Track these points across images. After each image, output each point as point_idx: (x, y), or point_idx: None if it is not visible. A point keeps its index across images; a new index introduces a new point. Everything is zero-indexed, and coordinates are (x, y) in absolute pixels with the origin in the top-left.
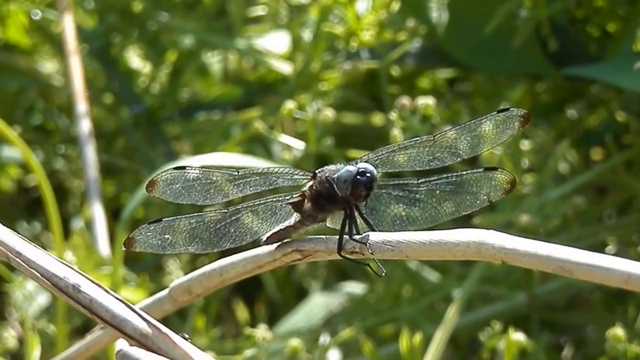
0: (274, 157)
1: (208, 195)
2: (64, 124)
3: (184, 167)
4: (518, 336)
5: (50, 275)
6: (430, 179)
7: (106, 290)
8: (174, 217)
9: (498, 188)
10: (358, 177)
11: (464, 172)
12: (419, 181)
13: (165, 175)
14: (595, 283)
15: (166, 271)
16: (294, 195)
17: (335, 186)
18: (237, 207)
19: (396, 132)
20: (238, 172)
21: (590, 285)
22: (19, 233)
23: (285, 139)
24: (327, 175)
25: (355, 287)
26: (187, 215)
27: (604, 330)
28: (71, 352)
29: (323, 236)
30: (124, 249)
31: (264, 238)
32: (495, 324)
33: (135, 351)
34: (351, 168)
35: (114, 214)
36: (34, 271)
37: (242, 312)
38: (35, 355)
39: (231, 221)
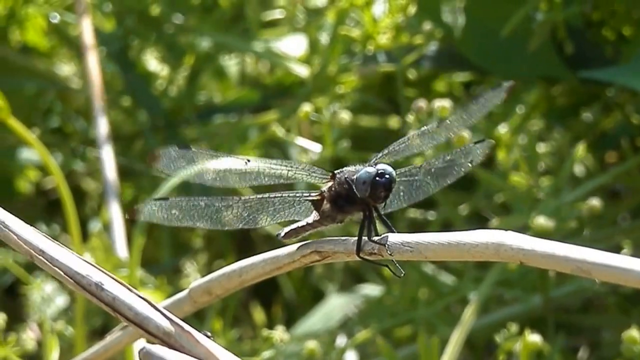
0: (291, 160)
1: (217, 179)
2: (82, 126)
3: (189, 147)
4: (534, 338)
5: (73, 274)
6: (430, 161)
7: (129, 289)
8: (184, 198)
9: (480, 153)
10: (377, 178)
11: (458, 149)
12: (421, 165)
13: (170, 151)
14: (610, 286)
15: (184, 273)
16: (312, 194)
17: (354, 187)
18: (252, 198)
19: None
20: (249, 160)
21: (606, 288)
22: (41, 232)
23: (301, 141)
24: (346, 176)
25: (371, 290)
26: (198, 198)
27: (619, 333)
28: (90, 354)
29: (342, 237)
30: (127, 217)
31: (282, 233)
32: (511, 326)
33: (158, 349)
34: (370, 169)
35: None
36: (57, 269)
37: (259, 314)
38: (53, 358)
39: (245, 207)
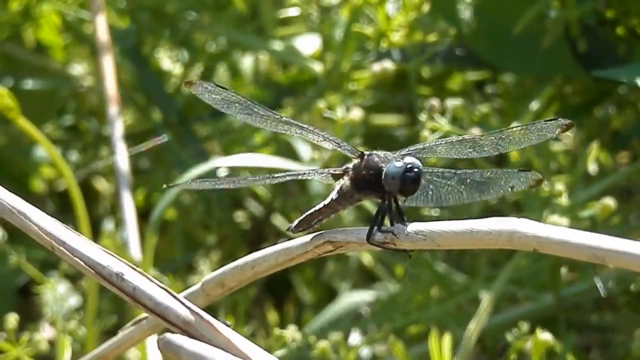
0: (302, 157)
1: (249, 119)
2: (95, 124)
3: (225, 88)
4: (545, 337)
5: (93, 264)
6: (468, 171)
7: (149, 279)
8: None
9: (524, 182)
10: (407, 173)
11: (500, 170)
12: (457, 172)
13: (208, 85)
14: (622, 285)
15: (197, 271)
16: (336, 170)
17: (382, 179)
18: (280, 175)
19: (425, 134)
20: (282, 116)
21: (617, 288)
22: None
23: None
24: (375, 161)
25: (383, 288)
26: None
27: (630, 332)
28: (103, 349)
29: (354, 228)
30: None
31: (292, 226)
32: (523, 325)
33: (178, 338)
34: (398, 164)
35: (143, 215)
36: (77, 260)
37: (271, 313)
38: (66, 357)
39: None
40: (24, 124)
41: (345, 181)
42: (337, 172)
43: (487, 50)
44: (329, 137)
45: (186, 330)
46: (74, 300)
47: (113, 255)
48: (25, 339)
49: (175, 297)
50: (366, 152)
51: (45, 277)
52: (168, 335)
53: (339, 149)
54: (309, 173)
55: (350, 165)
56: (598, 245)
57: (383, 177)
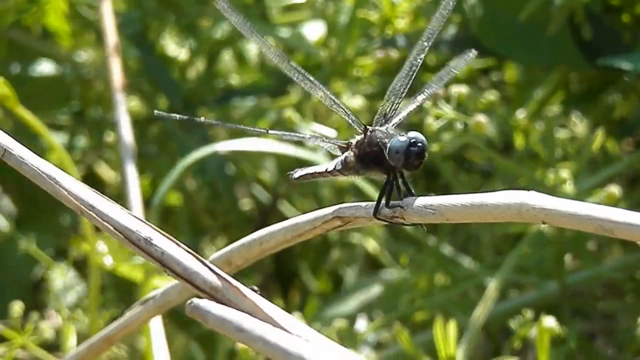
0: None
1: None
2: (100, 112)
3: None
4: (550, 324)
5: (122, 228)
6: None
7: (177, 244)
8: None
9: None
10: (411, 147)
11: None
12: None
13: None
14: (627, 272)
15: (203, 256)
16: (339, 142)
17: (386, 155)
18: (286, 134)
19: (430, 121)
20: (298, 68)
21: (621, 274)
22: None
23: (317, 126)
24: (379, 138)
25: (389, 275)
26: None
27: (635, 318)
28: (109, 330)
29: (363, 203)
30: None
31: (295, 175)
32: (527, 313)
33: (206, 303)
34: (402, 138)
35: (149, 203)
36: (106, 224)
37: (277, 300)
38: (70, 345)
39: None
40: (23, 112)
41: (349, 155)
42: (341, 145)
43: (492, 38)
44: (340, 103)
45: (214, 295)
46: (80, 288)
47: (142, 220)
48: (31, 327)
49: (203, 262)
50: (370, 127)
51: (55, 264)
52: (196, 300)
53: (345, 117)
54: (314, 139)
55: (354, 141)
56: (607, 217)
57: (387, 152)
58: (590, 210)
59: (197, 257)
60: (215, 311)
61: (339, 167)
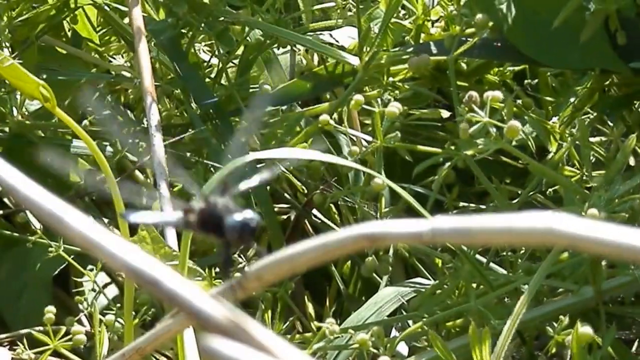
0: (341, 151)
1: None
2: (134, 117)
3: None
4: (586, 330)
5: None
6: None
7: (187, 282)
8: None
9: None
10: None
11: None
12: None
13: None
14: None
15: (234, 264)
16: None
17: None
18: None
19: (464, 125)
20: None
21: None
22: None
23: (352, 132)
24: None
25: (422, 282)
26: None
27: None
28: (140, 341)
29: (393, 221)
30: None
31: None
32: (564, 319)
33: (217, 342)
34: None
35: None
36: (115, 262)
37: (310, 306)
38: (103, 350)
39: None
40: (63, 115)
41: None
42: None
43: (526, 43)
44: None
45: (224, 332)
46: (111, 292)
47: (151, 257)
48: (62, 332)
49: (213, 299)
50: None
51: (84, 268)
52: (206, 339)
53: None
54: None
55: None
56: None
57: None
58: (624, 236)
59: (207, 295)
60: (226, 350)
61: None
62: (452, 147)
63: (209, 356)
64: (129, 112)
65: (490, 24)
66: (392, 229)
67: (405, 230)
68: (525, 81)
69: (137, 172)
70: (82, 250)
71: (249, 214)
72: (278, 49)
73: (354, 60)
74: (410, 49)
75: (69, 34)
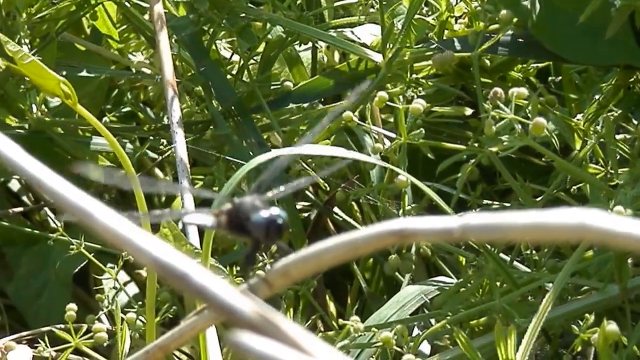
0: (365, 148)
1: None
2: (153, 114)
3: None
4: (612, 328)
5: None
6: None
7: (215, 276)
8: None
9: None
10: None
11: None
12: None
13: None
14: None
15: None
16: None
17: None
18: None
19: (490, 121)
20: None
21: None
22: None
23: (375, 129)
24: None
25: (445, 280)
26: None
27: None
28: (164, 339)
29: (422, 217)
30: None
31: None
32: (589, 317)
33: (246, 337)
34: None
35: (201, 205)
36: (142, 255)
37: (332, 304)
38: (125, 348)
39: None
40: (84, 112)
41: None
42: None
43: (550, 39)
44: None
45: (254, 328)
46: (132, 290)
47: (178, 251)
48: (84, 329)
49: (241, 294)
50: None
51: (104, 266)
52: (235, 334)
53: None
54: None
55: None
56: None
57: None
58: None
59: (235, 289)
60: (256, 345)
61: None
62: (476, 145)
63: (239, 352)
64: (148, 109)
65: (515, 20)
66: (422, 226)
67: (435, 226)
68: (549, 78)
69: (156, 169)
70: (109, 246)
71: (275, 211)
72: (300, 45)
73: (377, 57)
74: (434, 46)
75: (89, 30)
